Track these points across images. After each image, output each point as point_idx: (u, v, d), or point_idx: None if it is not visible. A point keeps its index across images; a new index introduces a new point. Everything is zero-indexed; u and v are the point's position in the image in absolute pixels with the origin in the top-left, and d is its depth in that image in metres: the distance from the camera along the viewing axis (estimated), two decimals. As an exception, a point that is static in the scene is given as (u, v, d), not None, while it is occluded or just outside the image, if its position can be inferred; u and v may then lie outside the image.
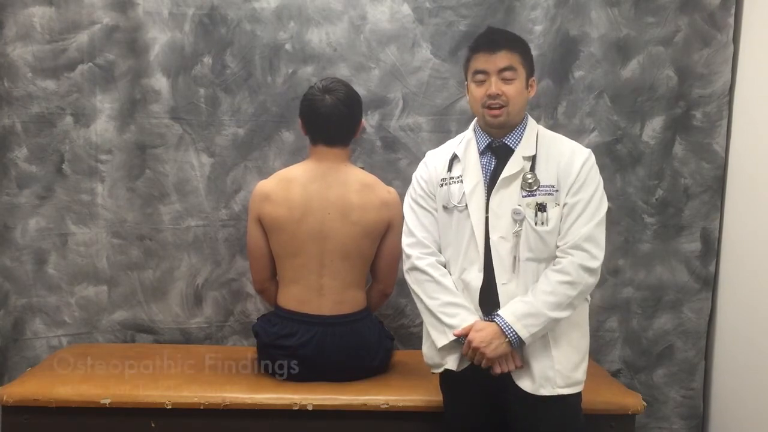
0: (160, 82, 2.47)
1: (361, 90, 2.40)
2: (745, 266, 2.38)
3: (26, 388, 2.11)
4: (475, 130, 1.95)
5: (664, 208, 2.55)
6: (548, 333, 1.82)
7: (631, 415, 2.15)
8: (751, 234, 2.33)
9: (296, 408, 2.07)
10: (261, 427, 2.11)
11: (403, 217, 2.00)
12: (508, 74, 1.82)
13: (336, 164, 2.22)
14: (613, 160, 2.53)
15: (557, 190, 1.83)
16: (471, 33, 2.46)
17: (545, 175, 1.84)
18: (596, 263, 1.80)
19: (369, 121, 2.50)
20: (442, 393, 2.01)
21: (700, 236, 2.54)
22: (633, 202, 2.55)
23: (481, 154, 1.91)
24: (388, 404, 2.08)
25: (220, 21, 2.46)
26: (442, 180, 1.94)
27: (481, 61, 1.83)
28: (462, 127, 2.51)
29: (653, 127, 2.52)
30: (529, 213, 1.82)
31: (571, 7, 2.46)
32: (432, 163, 1.99)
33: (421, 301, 1.91)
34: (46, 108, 2.47)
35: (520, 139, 1.88)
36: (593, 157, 1.87)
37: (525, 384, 1.82)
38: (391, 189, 2.29)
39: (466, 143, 1.94)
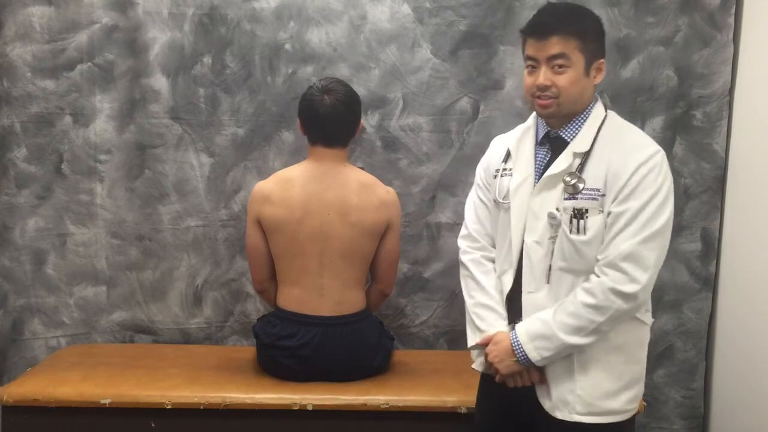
0: (159, 81, 2.47)
1: (361, 90, 2.40)
2: (745, 266, 2.38)
3: (26, 388, 2.11)
4: (536, 118, 1.76)
5: (664, 208, 2.55)
6: (575, 354, 1.63)
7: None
8: (751, 234, 2.33)
9: (296, 408, 2.07)
10: (261, 427, 2.10)
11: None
12: (560, 62, 1.60)
13: (335, 164, 2.22)
14: (613, 160, 2.53)
15: (603, 195, 1.61)
16: (471, 33, 2.47)
17: (593, 175, 1.62)
18: (634, 287, 1.56)
19: (369, 121, 2.50)
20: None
21: (701, 236, 2.54)
22: (633, 202, 2.55)
23: (540, 144, 1.74)
24: (388, 404, 2.08)
25: (220, 21, 2.46)
26: (497, 171, 1.80)
27: (531, 48, 1.64)
28: (462, 127, 2.52)
29: (653, 127, 2.52)
30: (565, 218, 1.64)
31: (571, 7, 2.46)
32: (492, 151, 1.85)
33: (463, 296, 1.84)
34: (45, 108, 2.47)
35: (578, 132, 1.67)
36: (658, 158, 1.60)
37: (545, 402, 1.69)
38: (390, 189, 2.28)
39: (524, 132, 1.78)
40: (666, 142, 2.52)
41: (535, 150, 1.74)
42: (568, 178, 1.64)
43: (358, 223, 2.17)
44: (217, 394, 2.10)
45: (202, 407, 2.07)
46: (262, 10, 2.46)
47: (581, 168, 1.64)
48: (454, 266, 2.54)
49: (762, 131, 2.30)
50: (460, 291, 1.88)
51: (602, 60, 1.67)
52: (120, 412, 2.07)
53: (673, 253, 2.56)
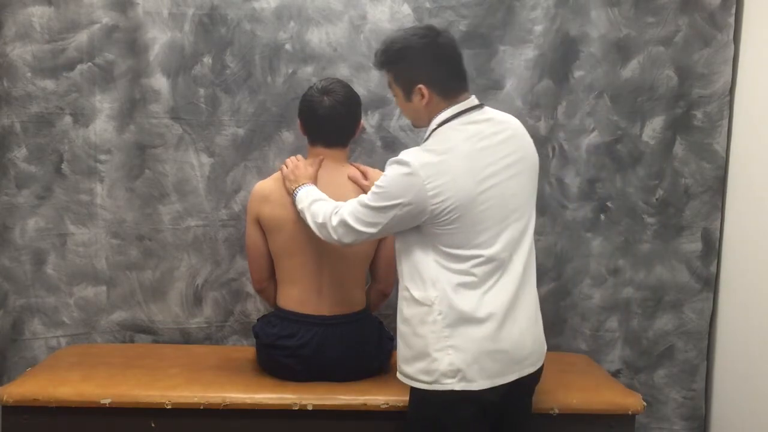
0: (159, 82, 2.47)
1: (361, 90, 2.40)
2: (746, 266, 2.38)
3: (26, 388, 2.11)
4: None
5: (665, 208, 2.55)
6: None
7: (631, 415, 2.15)
8: (752, 234, 2.33)
9: (296, 408, 2.07)
10: (261, 427, 2.10)
11: None
12: (391, 91, 1.91)
13: (335, 164, 2.22)
14: (613, 160, 2.53)
15: None
16: (471, 33, 2.47)
17: None
18: (335, 219, 1.87)
19: (369, 121, 2.50)
20: None
21: (701, 236, 2.54)
22: (633, 202, 2.55)
23: None
24: (388, 404, 2.08)
25: (220, 21, 2.46)
26: None
27: None
28: (462, 127, 2.52)
29: (653, 127, 2.52)
30: None
31: (571, 7, 2.46)
32: None
33: None
34: (45, 108, 2.47)
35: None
36: (392, 164, 1.80)
37: None
38: (391, 189, 2.28)
39: None
40: (666, 142, 2.52)
41: None
42: None
43: (358, 223, 2.17)
44: (217, 394, 2.10)
45: (202, 407, 2.07)
46: (262, 10, 2.46)
47: None
48: (454, 266, 2.55)
49: (763, 131, 2.30)
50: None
51: (420, 86, 1.80)
52: (120, 412, 2.07)
53: (673, 253, 2.56)
